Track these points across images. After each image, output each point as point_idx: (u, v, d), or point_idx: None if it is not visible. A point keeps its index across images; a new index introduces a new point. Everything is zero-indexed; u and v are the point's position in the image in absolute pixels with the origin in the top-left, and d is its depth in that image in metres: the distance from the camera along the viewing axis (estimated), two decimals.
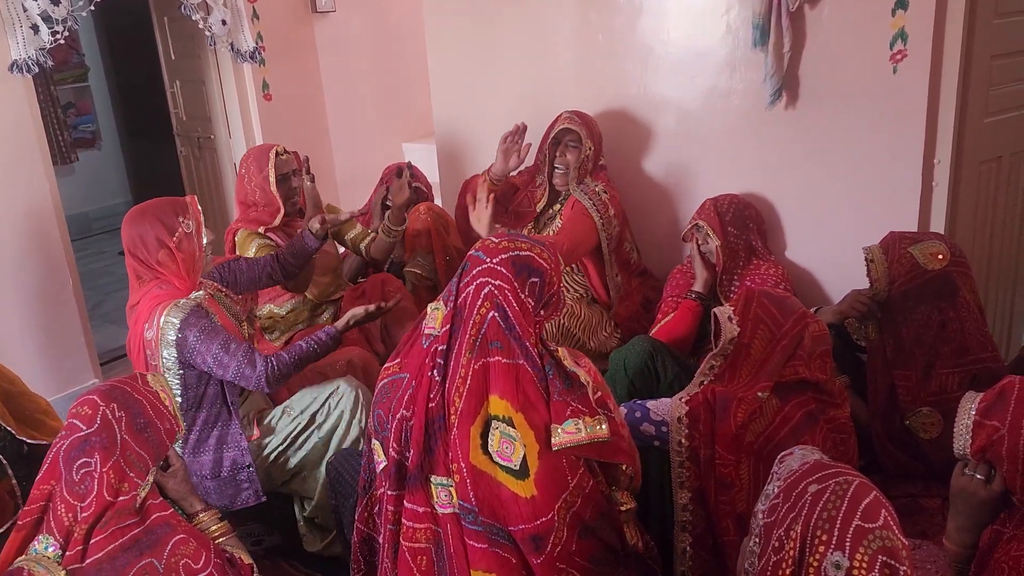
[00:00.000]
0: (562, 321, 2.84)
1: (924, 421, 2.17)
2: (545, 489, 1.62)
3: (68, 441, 1.70)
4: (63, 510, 1.68)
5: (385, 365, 1.84)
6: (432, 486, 1.69)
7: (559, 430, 1.63)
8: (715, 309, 2.06)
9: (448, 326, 1.70)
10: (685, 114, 2.99)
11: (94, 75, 6.86)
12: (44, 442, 2.48)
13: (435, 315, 1.75)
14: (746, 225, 2.80)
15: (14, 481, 2.14)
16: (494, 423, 1.64)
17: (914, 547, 1.54)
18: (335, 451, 2.34)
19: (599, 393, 1.73)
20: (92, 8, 3.33)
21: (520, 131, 2.95)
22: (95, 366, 3.55)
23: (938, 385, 2.15)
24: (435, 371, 1.69)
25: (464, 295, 1.70)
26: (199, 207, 2.31)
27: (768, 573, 1.25)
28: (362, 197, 3.78)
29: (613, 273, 2.99)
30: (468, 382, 1.65)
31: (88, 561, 1.66)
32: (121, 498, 1.70)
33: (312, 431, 2.35)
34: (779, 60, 2.65)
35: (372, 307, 2.35)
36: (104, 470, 1.68)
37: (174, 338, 2.17)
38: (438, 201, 3.65)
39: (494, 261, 1.69)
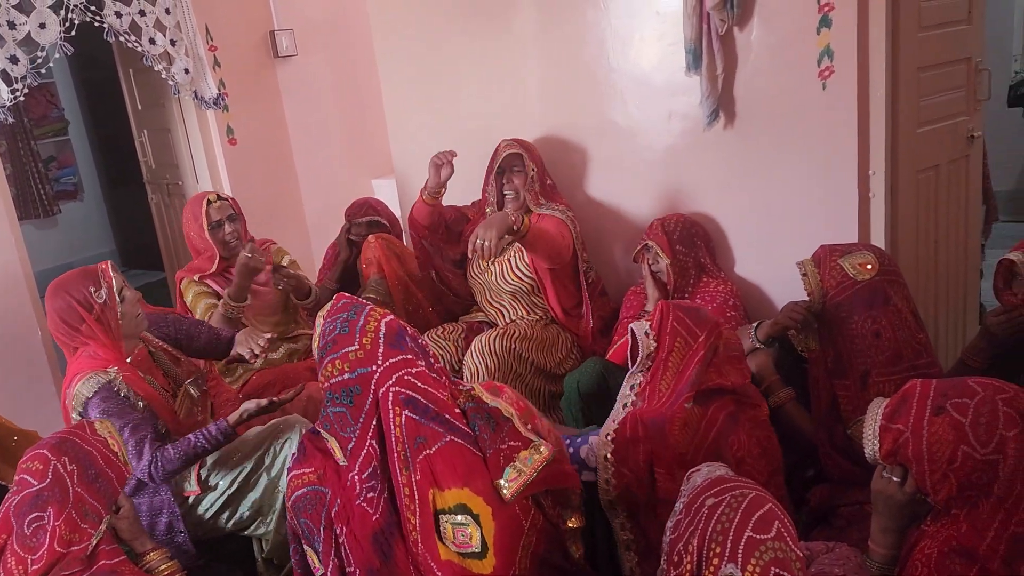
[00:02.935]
0: (513, 345, 2.87)
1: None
2: (503, 550, 1.64)
3: (20, 496, 1.73)
4: (13, 563, 1.71)
5: (297, 471, 1.78)
6: None
7: (502, 484, 1.65)
8: (631, 325, 2.09)
9: (367, 450, 1.67)
10: (630, 138, 3.06)
11: (74, 128, 6.96)
12: None
13: (331, 444, 1.72)
14: (694, 243, 2.85)
15: None
16: (442, 518, 1.64)
17: (827, 549, 1.57)
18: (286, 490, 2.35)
19: (529, 425, 1.75)
20: (52, 65, 3.40)
21: (448, 152, 3.04)
22: (67, 417, 3.57)
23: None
24: (370, 492, 1.66)
25: (375, 417, 1.66)
26: (112, 274, 2.28)
27: None
28: (332, 235, 3.84)
29: (583, 291, 3.05)
30: (416, 496, 1.64)
31: None
32: (73, 548, 1.73)
33: (261, 473, 2.36)
34: (713, 82, 2.71)
35: (264, 401, 2.23)
36: (57, 523, 1.71)
37: (78, 414, 2.19)
38: (403, 235, 3.70)
39: (380, 362, 1.65)
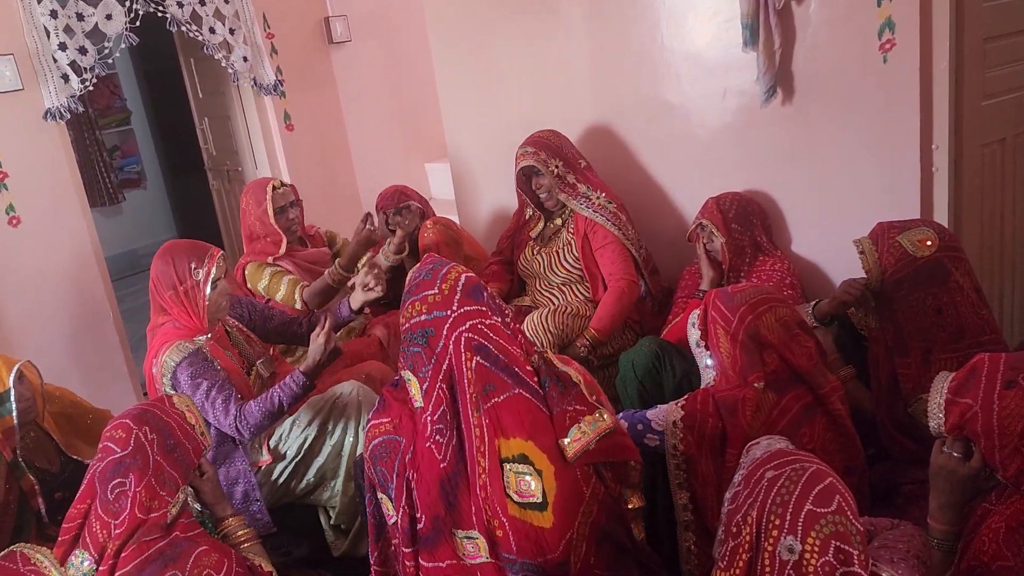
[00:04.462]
0: (566, 321, 2.90)
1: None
2: (563, 510, 1.66)
3: (104, 463, 1.83)
4: (98, 527, 1.80)
5: (375, 420, 1.85)
6: (458, 539, 1.72)
7: (566, 443, 1.68)
8: (691, 316, 2.11)
9: (436, 393, 1.72)
10: (684, 117, 3.03)
11: (136, 118, 7.16)
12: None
13: (411, 386, 1.78)
14: (750, 221, 2.83)
15: (38, 489, 2.27)
16: (505, 466, 1.68)
17: (891, 526, 1.56)
18: (349, 454, 2.42)
19: (594, 396, 1.78)
20: (118, 55, 3.52)
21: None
22: (138, 395, 3.72)
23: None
24: (438, 435, 1.72)
25: (446, 359, 1.71)
26: (218, 261, 2.38)
27: (727, 559, 1.29)
28: None
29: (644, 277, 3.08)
30: (485, 438, 1.69)
31: (117, 574, 1.77)
32: (152, 515, 1.81)
33: (325, 440, 2.43)
34: (770, 58, 2.67)
35: (322, 340, 2.29)
36: (137, 489, 1.79)
37: (169, 379, 2.30)
38: (453, 217, 3.74)
39: (455, 308, 1.71)
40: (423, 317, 1.73)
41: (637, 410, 2.16)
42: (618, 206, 3.04)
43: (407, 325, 1.76)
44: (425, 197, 3.56)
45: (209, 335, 2.40)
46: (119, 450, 1.82)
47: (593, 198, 3.02)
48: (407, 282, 1.82)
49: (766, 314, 1.99)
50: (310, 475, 2.45)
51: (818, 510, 1.22)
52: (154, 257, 2.42)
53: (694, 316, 2.08)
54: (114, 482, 1.80)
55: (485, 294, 1.77)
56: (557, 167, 3.01)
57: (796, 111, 2.75)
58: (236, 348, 2.55)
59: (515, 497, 1.67)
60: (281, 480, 2.45)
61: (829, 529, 1.21)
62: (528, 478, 1.66)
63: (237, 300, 2.65)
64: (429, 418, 1.73)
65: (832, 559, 1.20)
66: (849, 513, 1.24)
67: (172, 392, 2.31)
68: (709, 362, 2.08)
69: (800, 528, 1.21)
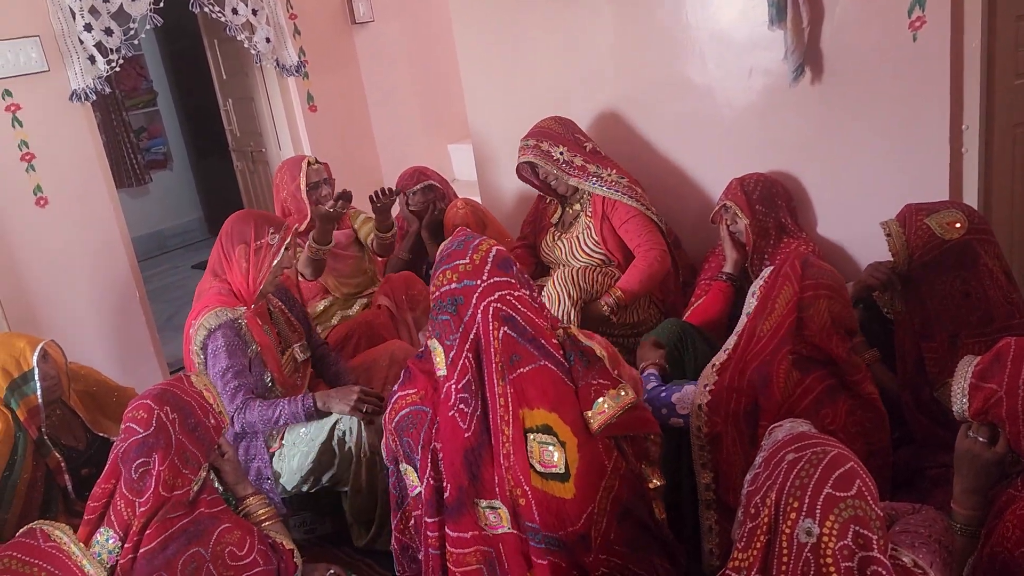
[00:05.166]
0: (596, 277, 2.91)
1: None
2: (585, 483, 1.68)
3: (127, 444, 1.85)
4: (123, 505, 1.83)
5: (401, 392, 1.88)
6: (480, 509, 1.74)
7: (590, 415, 1.70)
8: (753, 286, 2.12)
9: (463, 361, 1.73)
10: (709, 97, 3.00)
11: (162, 99, 7.19)
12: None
13: (436, 354, 1.80)
14: (774, 203, 2.79)
15: (63, 466, 2.31)
16: (529, 436, 1.69)
17: (913, 511, 1.55)
18: (355, 463, 2.40)
19: (616, 371, 1.79)
20: (143, 36, 3.53)
21: None
22: (164, 374, 3.77)
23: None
24: (463, 404, 1.73)
25: (474, 328, 1.73)
26: (292, 238, 2.45)
27: (745, 540, 1.28)
28: None
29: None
30: (510, 408, 1.70)
31: (141, 551, 1.81)
32: (176, 492, 1.84)
33: (335, 452, 2.41)
34: (799, 36, 2.63)
35: (354, 399, 2.32)
36: (161, 468, 1.82)
37: (201, 342, 2.33)
38: (476, 198, 3.74)
39: (485, 277, 1.73)
40: (453, 285, 1.75)
41: (662, 388, 2.15)
42: (630, 180, 3.03)
43: (437, 294, 1.79)
44: (446, 178, 3.55)
45: (253, 305, 2.43)
46: (141, 430, 1.84)
47: (605, 175, 3.01)
48: (438, 252, 1.85)
49: (823, 300, 2.00)
50: (324, 481, 2.45)
51: (837, 494, 1.21)
52: (229, 218, 2.50)
53: (756, 285, 2.09)
54: (138, 462, 1.82)
55: (515, 267, 1.79)
56: (561, 153, 3.00)
57: (823, 90, 2.70)
58: (275, 328, 2.57)
59: (538, 467, 1.68)
60: (291, 486, 2.44)
61: (848, 513, 1.20)
62: (552, 448, 1.67)
63: (285, 290, 2.68)
64: (453, 386, 1.75)
65: (851, 543, 1.19)
66: (869, 498, 1.22)
67: (198, 356, 2.35)
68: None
69: (819, 512, 1.20)
